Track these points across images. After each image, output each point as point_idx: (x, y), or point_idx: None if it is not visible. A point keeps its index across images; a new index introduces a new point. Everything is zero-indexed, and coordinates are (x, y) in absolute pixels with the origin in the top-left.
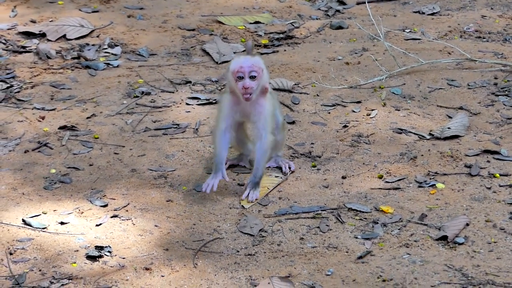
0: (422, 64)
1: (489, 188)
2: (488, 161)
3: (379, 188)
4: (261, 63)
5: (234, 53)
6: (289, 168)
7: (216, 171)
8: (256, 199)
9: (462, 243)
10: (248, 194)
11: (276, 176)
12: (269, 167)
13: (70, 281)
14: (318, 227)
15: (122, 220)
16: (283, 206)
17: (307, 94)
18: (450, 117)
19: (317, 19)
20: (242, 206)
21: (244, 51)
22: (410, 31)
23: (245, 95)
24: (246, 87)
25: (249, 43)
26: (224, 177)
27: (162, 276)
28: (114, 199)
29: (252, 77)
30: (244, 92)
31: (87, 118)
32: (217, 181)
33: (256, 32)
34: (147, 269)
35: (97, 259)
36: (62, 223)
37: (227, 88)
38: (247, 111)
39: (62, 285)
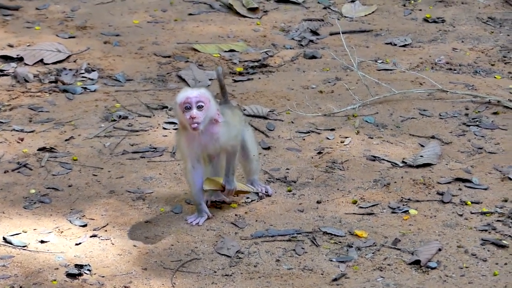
0: (395, 94)
1: (461, 215)
2: (460, 189)
3: (353, 213)
4: (207, 94)
5: (210, 80)
6: (266, 192)
7: (199, 211)
8: (235, 191)
9: (434, 268)
10: (227, 186)
11: (252, 200)
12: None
13: None
14: (294, 249)
15: (101, 239)
16: (259, 228)
17: (282, 121)
18: (423, 146)
19: (291, 48)
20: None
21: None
22: (382, 62)
23: (192, 124)
24: (194, 117)
25: (220, 69)
26: (208, 215)
27: None
28: (93, 219)
29: (199, 107)
30: (191, 122)
31: (66, 140)
32: (203, 220)
33: (231, 60)
34: (126, 287)
35: (77, 277)
36: (42, 241)
37: (179, 125)
38: (204, 142)
39: None
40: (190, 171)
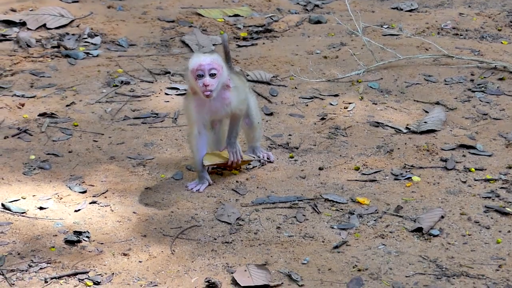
0: (400, 59)
1: (464, 182)
2: (464, 156)
3: (356, 180)
4: (220, 60)
5: (214, 45)
6: (268, 158)
7: (200, 178)
8: (239, 160)
9: (437, 235)
10: (233, 156)
11: (253, 167)
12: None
13: (49, 265)
14: (295, 216)
15: (101, 206)
16: (260, 195)
17: (285, 86)
18: (427, 112)
19: (296, 13)
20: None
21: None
22: (388, 27)
23: (205, 92)
24: (207, 84)
25: (225, 35)
26: (209, 182)
27: (140, 261)
28: (93, 185)
29: (212, 75)
30: (204, 89)
31: (67, 106)
32: (204, 186)
33: (235, 25)
34: (124, 254)
35: (76, 244)
36: (41, 208)
37: (188, 90)
38: (214, 108)
39: (41, 268)
40: (195, 137)
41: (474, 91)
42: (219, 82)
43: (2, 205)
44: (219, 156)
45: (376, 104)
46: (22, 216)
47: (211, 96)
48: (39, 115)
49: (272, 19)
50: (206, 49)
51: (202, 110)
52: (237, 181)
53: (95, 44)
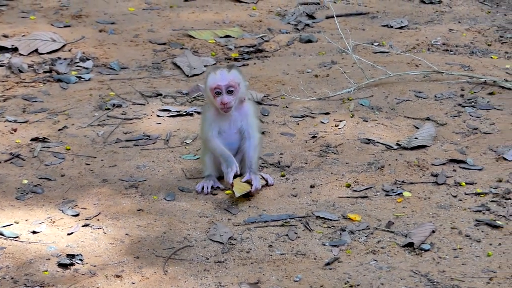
0: (390, 76)
1: (455, 196)
2: (454, 170)
3: (347, 197)
4: (238, 77)
5: (205, 66)
6: (266, 180)
7: (230, 165)
8: (258, 187)
9: (428, 250)
10: (255, 183)
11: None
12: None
13: None
14: (287, 234)
15: (94, 229)
16: (252, 214)
17: (277, 106)
18: (417, 128)
19: (286, 33)
20: (233, 193)
21: (214, 64)
22: (378, 45)
23: (223, 109)
24: (225, 103)
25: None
26: (236, 167)
27: (133, 283)
28: (86, 208)
29: (230, 92)
30: (222, 107)
31: (59, 130)
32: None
33: (226, 45)
34: (117, 276)
35: (69, 267)
36: (34, 232)
37: (207, 100)
38: (233, 118)
39: None
40: (213, 137)
41: (464, 106)
42: (237, 98)
43: None
44: (245, 185)
45: (366, 121)
46: (15, 240)
47: (229, 111)
48: (32, 139)
49: (263, 39)
50: (197, 70)
51: (219, 118)
52: (229, 201)
53: (87, 68)
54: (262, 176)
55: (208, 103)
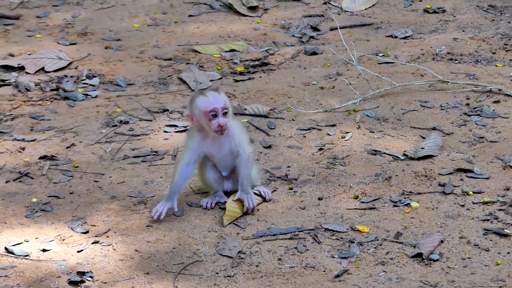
0: (395, 86)
1: (463, 206)
2: (462, 180)
3: (355, 208)
4: (227, 99)
5: (211, 80)
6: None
7: (168, 199)
8: (254, 205)
9: (437, 260)
10: (248, 203)
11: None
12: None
13: None
14: (296, 247)
15: (103, 246)
16: (261, 228)
17: (283, 119)
18: (424, 138)
19: (291, 45)
20: (223, 223)
21: (220, 78)
22: (383, 55)
23: (218, 132)
24: (222, 125)
25: None
26: (174, 206)
27: None
28: (95, 225)
29: (225, 113)
30: (219, 129)
31: (67, 147)
32: (166, 208)
33: (231, 60)
34: None
35: (79, 284)
36: (44, 250)
37: (194, 126)
38: (219, 141)
39: None
40: (183, 164)
41: (470, 115)
42: (230, 119)
43: (6, 249)
44: (235, 210)
45: (373, 132)
46: (26, 259)
47: (224, 134)
48: (40, 158)
49: (268, 52)
50: (203, 85)
51: (204, 144)
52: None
53: (93, 85)
54: (258, 192)
55: (193, 129)
